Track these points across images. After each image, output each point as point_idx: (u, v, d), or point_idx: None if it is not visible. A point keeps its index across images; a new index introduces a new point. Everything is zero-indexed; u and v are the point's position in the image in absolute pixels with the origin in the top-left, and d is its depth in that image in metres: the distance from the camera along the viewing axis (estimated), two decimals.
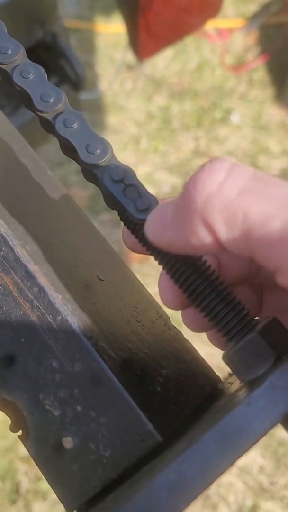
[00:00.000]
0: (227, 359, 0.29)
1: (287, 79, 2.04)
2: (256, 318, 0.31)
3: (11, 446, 1.39)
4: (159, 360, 0.34)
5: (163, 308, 0.39)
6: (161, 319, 0.38)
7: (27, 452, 0.32)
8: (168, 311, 0.37)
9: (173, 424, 0.31)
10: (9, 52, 0.35)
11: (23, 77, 0.34)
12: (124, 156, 1.93)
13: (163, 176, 1.89)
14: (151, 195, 0.30)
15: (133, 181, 0.30)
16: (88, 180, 0.33)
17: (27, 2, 0.73)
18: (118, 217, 0.32)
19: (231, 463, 0.23)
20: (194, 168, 1.91)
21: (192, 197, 0.25)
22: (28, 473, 1.38)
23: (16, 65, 0.35)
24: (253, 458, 1.38)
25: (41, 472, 0.32)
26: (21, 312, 0.32)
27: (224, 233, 0.25)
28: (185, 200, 0.26)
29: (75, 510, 0.31)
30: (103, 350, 0.31)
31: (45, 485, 1.34)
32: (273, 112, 2.06)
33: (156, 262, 0.31)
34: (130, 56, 1.92)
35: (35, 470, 1.35)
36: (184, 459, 0.23)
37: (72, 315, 0.32)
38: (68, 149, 0.33)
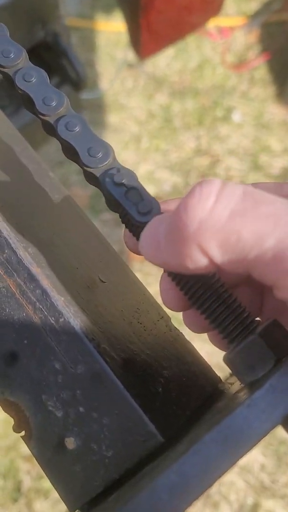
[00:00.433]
0: (227, 360, 0.29)
1: None
2: (257, 319, 0.31)
3: (13, 445, 1.40)
4: (161, 361, 0.34)
5: (165, 309, 0.39)
6: (162, 320, 0.38)
7: (29, 451, 0.33)
8: (170, 312, 0.37)
9: (175, 424, 0.31)
10: (12, 55, 0.35)
11: (25, 80, 0.34)
12: (125, 155, 1.93)
13: (164, 175, 1.89)
14: (152, 198, 0.30)
15: (134, 184, 0.31)
16: (90, 183, 0.33)
17: (29, 2, 0.73)
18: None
19: (232, 464, 0.23)
20: (195, 166, 1.91)
21: (184, 223, 0.26)
22: (30, 472, 1.38)
23: (19, 69, 0.35)
24: (254, 457, 1.38)
25: (44, 472, 0.33)
26: (24, 314, 0.32)
27: (219, 256, 0.25)
28: (177, 225, 0.26)
29: (77, 510, 0.32)
30: (105, 352, 0.32)
31: (46, 483, 1.35)
32: (274, 111, 2.05)
33: None
34: (131, 55, 1.92)
35: (37, 468, 1.36)
36: (186, 460, 0.23)
37: (74, 317, 0.32)
38: (70, 152, 0.33)
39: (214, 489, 1.34)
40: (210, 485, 0.23)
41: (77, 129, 0.32)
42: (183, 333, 0.39)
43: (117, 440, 0.30)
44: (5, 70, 0.35)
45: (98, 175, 0.31)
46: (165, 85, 2.13)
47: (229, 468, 0.24)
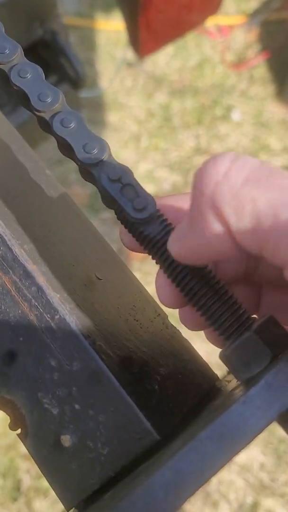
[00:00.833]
0: (224, 358, 0.29)
1: None
2: (254, 316, 0.31)
3: (12, 443, 1.40)
4: (157, 358, 0.34)
5: (161, 307, 0.39)
6: (159, 318, 0.38)
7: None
8: (166, 310, 0.37)
9: (171, 422, 0.31)
10: (7, 51, 0.35)
11: (20, 76, 0.34)
12: (124, 153, 1.93)
13: (163, 174, 1.89)
14: (148, 194, 0.30)
15: (130, 181, 0.31)
16: (85, 180, 0.33)
17: (27, 0, 0.73)
18: None
19: (227, 460, 0.23)
20: (195, 165, 1.90)
21: (200, 189, 0.26)
22: (30, 471, 1.38)
23: (14, 65, 0.35)
24: (254, 455, 1.38)
25: (40, 470, 0.33)
26: (20, 312, 0.32)
27: (234, 222, 0.25)
28: (194, 195, 0.26)
29: (74, 508, 0.32)
30: (101, 349, 0.32)
31: (46, 482, 1.34)
32: (274, 109, 2.05)
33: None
34: (130, 54, 1.91)
35: (37, 467, 1.36)
36: (181, 457, 0.23)
37: (70, 314, 0.32)
38: (66, 149, 0.33)
39: (213, 488, 1.34)
40: (205, 482, 0.23)
41: (72, 125, 0.32)
42: (181, 331, 0.39)
43: (113, 437, 0.30)
44: (0, 66, 0.34)
45: (93, 171, 0.31)
46: (165, 84, 2.12)
47: (225, 464, 0.23)
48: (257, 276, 0.35)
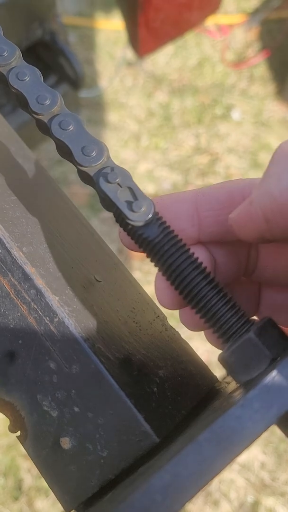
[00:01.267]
0: (223, 360, 0.29)
1: None
2: (253, 318, 0.31)
3: (13, 443, 1.40)
4: (156, 360, 0.34)
5: (161, 309, 0.39)
6: (158, 320, 0.38)
7: None
8: (166, 312, 0.37)
9: (170, 424, 0.31)
10: (5, 54, 0.35)
11: (19, 79, 0.34)
12: (124, 153, 1.93)
13: (163, 173, 1.89)
14: (146, 197, 0.30)
15: (128, 183, 0.30)
16: (84, 182, 0.33)
17: (26, 1, 0.73)
18: None
19: (225, 464, 0.23)
20: (195, 165, 1.91)
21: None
22: (31, 470, 1.38)
23: (12, 67, 0.35)
24: (255, 455, 1.38)
25: (40, 472, 0.33)
26: (19, 314, 0.32)
27: None
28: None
29: (73, 510, 0.32)
30: (100, 352, 0.31)
31: None
32: (274, 108, 2.05)
33: None
34: (130, 53, 1.91)
35: None
36: (179, 461, 0.23)
37: (69, 317, 0.32)
38: (64, 151, 0.33)
39: (214, 487, 1.34)
40: (204, 485, 0.23)
41: (71, 127, 0.32)
42: (180, 332, 0.39)
43: (112, 440, 0.30)
44: None
45: (92, 174, 0.31)
46: (165, 83, 2.12)
47: (223, 468, 0.23)
48: (256, 276, 0.35)
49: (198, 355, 0.37)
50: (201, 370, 0.36)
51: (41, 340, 0.32)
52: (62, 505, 0.32)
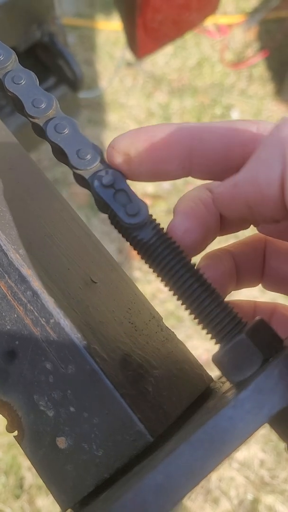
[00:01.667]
0: (216, 361, 0.29)
1: (287, 75, 2.03)
2: (245, 321, 0.31)
3: (14, 441, 1.41)
4: (152, 361, 0.35)
5: (156, 309, 0.40)
6: (154, 320, 0.39)
7: None
8: (161, 313, 0.37)
9: (164, 424, 0.32)
10: (1, 58, 0.35)
11: (14, 83, 0.34)
12: None
13: None
14: (140, 200, 0.31)
15: (123, 186, 0.31)
16: (79, 185, 0.33)
17: (24, 2, 0.73)
18: None
19: (217, 464, 0.24)
20: None
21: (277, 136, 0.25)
22: (32, 469, 1.39)
23: (8, 71, 0.35)
24: (254, 453, 1.39)
25: (37, 471, 0.33)
26: (15, 316, 0.33)
27: None
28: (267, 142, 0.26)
29: (69, 509, 0.32)
30: (95, 352, 0.32)
31: None
32: (273, 108, 2.05)
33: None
34: (129, 53, 1.92)
35: None
36: (171, 461, 0.24)
37: (65, 318, 0.32)
38: (60, 155, 0.33)
39: (214, 484, 1.35)
40: (196, 484, 0.24)
41: (66, 131, 0.32)
42: (177, 333, 0.39)
43: (108, 439, 0.31)
44: None
45: (87, 177, 0.32)
46: (164, 83, 2.12)
47: (215, 468, 0.24)
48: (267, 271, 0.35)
49: (193, 355, 0.37)
50: (196, 370, 0.36)
51: (37, 341, 0.32)
52: (58, 504, 0.32)
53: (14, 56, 0.35)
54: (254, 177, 0.26)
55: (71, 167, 0.32)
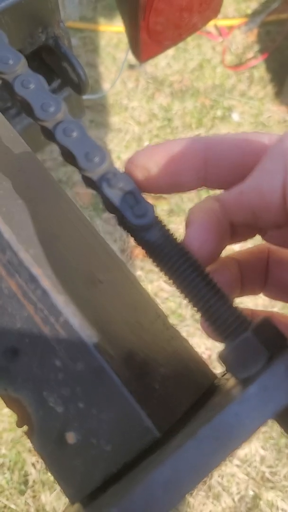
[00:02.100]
0: (222, 358, 0.30)
1: (287, 76, 2.03)
2: (251, 318, 0.32)
3: (19, 438, 1.41)
4: (158, 358, 0.35)
5: (162, 309, 0.40)
6: (159, 319, 0.39)
7: None
8: (166, 311, 0.38)
9: (171, 420, 0.32)
10: (10, 62, 0.36)
11: (24, 87, 0.35)
12: (126, 154, 1.94)
13: None
14: (147, 202, 0.31)
15: (130, 188, 0.32)
16: (88, 187, 0.34)
17: (28, 6, 0.74)
18: None
19: (223, 459, 0.24)
20: None
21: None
22: (36, 465, 1.39)
23: (17, 75, 0.36)
24: (255, 450, 1.39)
25: (46, 466, 0.34)
26: (26, 314, 0.33)
27: None
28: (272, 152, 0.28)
29: (78, 503, 0.33)
30: (103, 350, 0.33)
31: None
32: (273, 109, 2.06)
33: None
34: (131, 55, 1.92)
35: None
36: (179, 456, 0.24)
37: (74, 317, 0.33)
38: (68, 157, 0.34)
39: (215, 481, 1.35)
40: (202, 478, 0.24)
41: (74, 134, 0.33)
42: (180, 332, 0.40)
43: (116, 435, 0.31)
44: (4, 76, 0.36)
45: (95, 179, 0.32)
46: (166, 85, 2.13)
47: (220, 462, 0.24)
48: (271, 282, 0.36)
49: (198, 353, 0.38)
50: (201, 367, 0.37)
51: (47, 339, 0.33)
52: (67, 498, 0.33)
53: (23, 60, 0.36)
54: (259, 186, 0.27)
55: (80, 169, 0.33)
